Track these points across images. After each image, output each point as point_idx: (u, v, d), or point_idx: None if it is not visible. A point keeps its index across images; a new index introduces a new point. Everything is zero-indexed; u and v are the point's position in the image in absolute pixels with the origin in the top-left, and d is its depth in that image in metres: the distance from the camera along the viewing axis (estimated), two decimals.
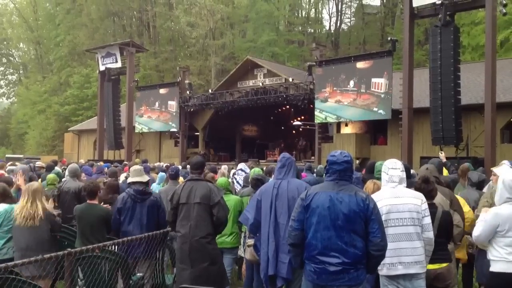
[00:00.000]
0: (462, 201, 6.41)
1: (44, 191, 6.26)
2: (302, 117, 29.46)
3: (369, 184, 5.92)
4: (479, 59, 28.63)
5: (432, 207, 4.93)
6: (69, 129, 41.92)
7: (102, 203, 6.53)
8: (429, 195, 4.99)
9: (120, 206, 6.08)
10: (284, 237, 4.87)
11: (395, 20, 45.71)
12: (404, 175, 4.70)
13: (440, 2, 16.91)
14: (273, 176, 5.99)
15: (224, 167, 11.56)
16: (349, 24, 54.53)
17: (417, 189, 5.01)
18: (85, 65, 50.80)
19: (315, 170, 11.45)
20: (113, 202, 6.73)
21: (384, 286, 4.56)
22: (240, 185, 9.15)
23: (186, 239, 5.37)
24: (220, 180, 7.07)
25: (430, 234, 4.54)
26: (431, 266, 4.76)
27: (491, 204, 5.05)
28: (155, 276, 6.12)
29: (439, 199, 5.42)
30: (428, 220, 4.54)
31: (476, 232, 4.53)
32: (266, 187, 5.32)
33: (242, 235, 6.76)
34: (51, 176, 8.93)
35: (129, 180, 6.41)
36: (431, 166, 6.22)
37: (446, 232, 4.88)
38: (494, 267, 4.47)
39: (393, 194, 4.56)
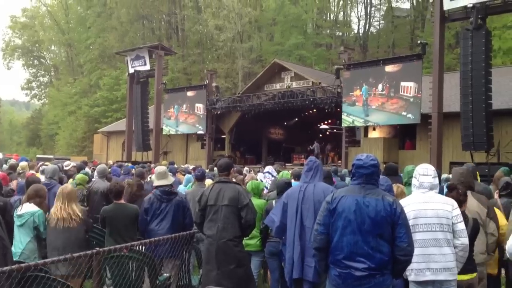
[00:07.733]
0: (499, 213, 6.18)
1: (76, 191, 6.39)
2: (329, 121, 29.28)
3: (393, 187, 5.84)
4: (511, 63, 28.04)
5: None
6: (98, 130, 42.62)
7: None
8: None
9: (147, 207, 6.18)
10: (310, 240, 4.85)
11: (425, 23, 45.02)
12: (436, 181, 4.58)
13: (471, 5, 16.65)
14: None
15: (246, 169, 11.54)
16: (378, 27, 53.96)
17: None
18: (114, 68, 51.58)
19: (338, 174, 11.36)
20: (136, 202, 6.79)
21: None
22: (267, 188, 9.13)
23: (213, 240, 5.40)
24: (255, 182, 7.05)
25: (465, 240, 4.38)
26: (462, 277, 4.61)
27: None
28: (181, 276, 6.18)
29: (476, 206, 5.24)
30: (461, 226, 4.40)
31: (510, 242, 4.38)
32: (292, 191, 5.34)
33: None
34: (79, 176, 9.08)
35: (155, 184, 6.48)
36: (465, 169, 5.97)
37: (473, 242, 4.70)
38: None
39: (422, 199, 4.47)
